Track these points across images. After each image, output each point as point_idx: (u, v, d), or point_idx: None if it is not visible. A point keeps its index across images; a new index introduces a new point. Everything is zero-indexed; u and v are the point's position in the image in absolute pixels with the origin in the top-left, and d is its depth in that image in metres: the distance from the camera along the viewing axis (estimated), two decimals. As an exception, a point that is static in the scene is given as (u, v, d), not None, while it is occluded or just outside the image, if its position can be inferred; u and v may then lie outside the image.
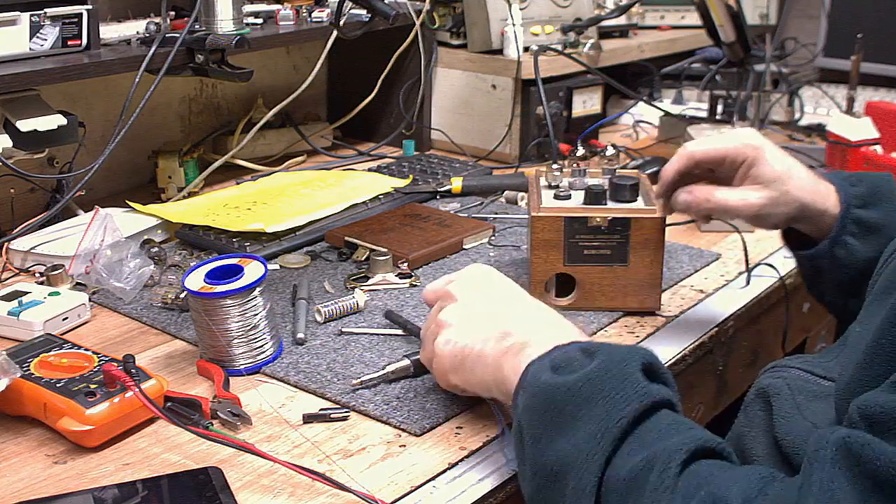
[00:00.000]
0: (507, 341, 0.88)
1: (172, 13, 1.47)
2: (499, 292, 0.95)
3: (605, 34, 2.04)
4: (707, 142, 1.09)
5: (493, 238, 1.42)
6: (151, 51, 1.36)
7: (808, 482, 0.67)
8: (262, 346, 1.04)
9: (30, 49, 1.29)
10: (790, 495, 0.67)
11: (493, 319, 0.90)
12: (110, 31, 1.42)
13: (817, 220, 1.08)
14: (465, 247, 1.38)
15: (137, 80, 1.34)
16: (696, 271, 1.33)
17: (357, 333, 1.12)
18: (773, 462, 0.87)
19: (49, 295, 1.16)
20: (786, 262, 1.38)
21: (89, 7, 1.33)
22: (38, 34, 1.29)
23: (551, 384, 0.79)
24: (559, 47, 1.82)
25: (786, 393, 0.95)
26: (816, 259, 1.10)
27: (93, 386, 0.93)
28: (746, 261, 1.34)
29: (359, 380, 1.00)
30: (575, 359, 0.80)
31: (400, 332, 1.12)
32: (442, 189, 1.59)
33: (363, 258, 1.32)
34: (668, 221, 1.17)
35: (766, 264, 1.36)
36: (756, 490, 0.69)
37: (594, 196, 1.18)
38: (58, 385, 0.93)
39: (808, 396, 0.94)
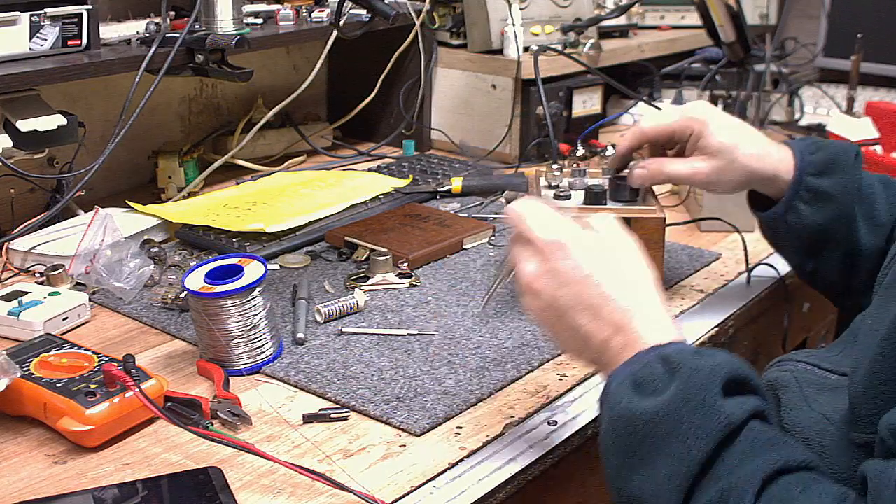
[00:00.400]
0: (588, 354, 0.85)
1: (172, 13, 1.47)
2: (581, 267, 0.84)
3: (605, 34, 2.04)
4: (655, 118, 1.17)
5: (493, 238, 1.42)
6: (151, 51, 1.36)
7: None
8: (262, 346, 1.04)
9: (30, 49, 1.29)
10: None
11: (573, 325, 0.84)
12: (110, 31, 1.42)
13: (770, 184, 1.13)
14: (465, 247, 1.38)
15: (137, 80, 1.34)
16: (696, 271, 1.33)
17: (357, 333, 1.12)
18: None
19: (49, 295, 1.16)
20: (786, 263, 1.38)
21: (89, 7, 1.33)
22: (38, 34, 1.29)
23: (631, 411, 0.77)
24: (559, 47, 1.82)
25: (794, 386, 0.96)
26: (772, 221, 1.15)
27: (93, 386, 0.93)
28: (746, 261, 1.34)
29: (483, 306, 1.06)
30: (656, 376, 0.77)
31: (400, 332, 1.12)
32: (442, 189, 1.59)
33: (363, 258, 1.32)
34: (668, 221, 1.17)
35: (766, 264, 1.36)
36: None
37: (594, 196, 1.18)
38: (58, 385, 0.93)
39: (815, 389, 0.95)
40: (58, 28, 1.30)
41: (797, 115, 2.09)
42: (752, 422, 0.76)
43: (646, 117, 1.17)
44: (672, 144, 1.17)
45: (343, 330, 1.13)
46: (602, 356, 0.83)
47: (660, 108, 1.83)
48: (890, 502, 0.67)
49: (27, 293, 1.16)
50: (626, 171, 1.18)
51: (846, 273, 1.14)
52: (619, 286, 0.84)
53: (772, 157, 1.12)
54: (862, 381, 0.78)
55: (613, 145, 1.66)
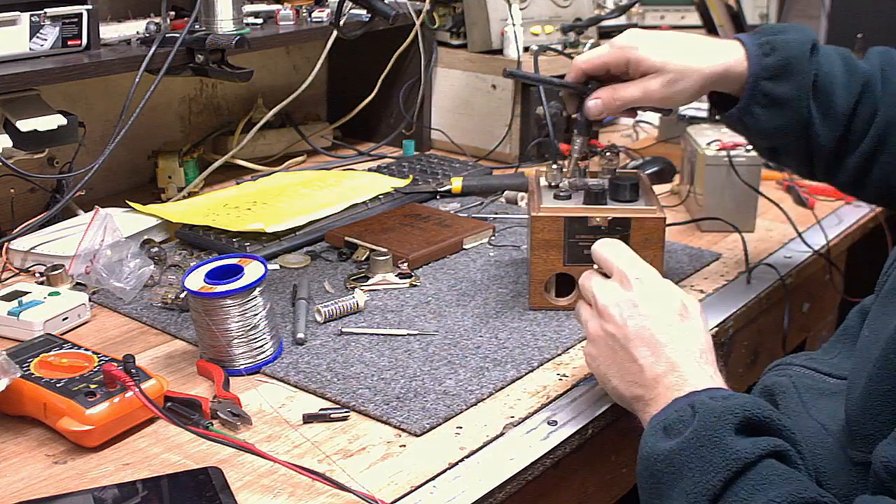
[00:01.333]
0: (635, 388, 0.89)
1: (172, 13, 1.47)
2: (657, 305, 0.90)
3: (605, 34, 2.03)
4: (588, 53, 1.15)
5: (493, 238, 1.42)
6: (151, 51, 1.35)
7: None
8: (262, 346, 1.04)
9: (30, 49, 1.29)
10: None
11: (632, 356, 0.89)
12: (110, 31, 1.42)
13: (725, 81, 1.12)
14: (465, 247, 1.38)
15: (137, 80, 1.34)
16: (696, 271, 1.33)
17: (357, 333, 1.12)
18: None
19: (49, 295, 1.16)
20: (786, 262, 1.39)
21: (89, 7, 1.33)
22: (38, 34, 1.29)
23: (654, 451, 0.82)
24: (559, 47, 1.82)
25: (791, 391, 0.95)
26: (730, 121, 1.16)
27: (93, 386, 0.93)
28: (746, 261, 1.34)
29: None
30: (682, 419, 0.81)
31: (400, 332, 1.12)
32: (442, 189, 1.59)
33: (363, 258, 1.32)
34: (668, 221, 1.17)
35: (766, 264, 1.36)
36: None
37: (594, 196, 1.18)
38: (58, 385, 0.93)
39: (813, 394, 0.94)
40: (58, 28, 1.30)
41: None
42: (767, 460, 0.76)
43: (582, 54, 1.16)
44: (613, 77, 1.15)
45: (343, 330, 1.13)
46: (649, 391, 0.87)
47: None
48: None
49: (27, 293, 1.16)
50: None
51: (807, 163, 1.16)
52: (683, 333, 0.89)
53: (719, 54, 1.11)
54: (859, 400, 0.77)
55: (614, 145, 1.66)
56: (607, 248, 0.96)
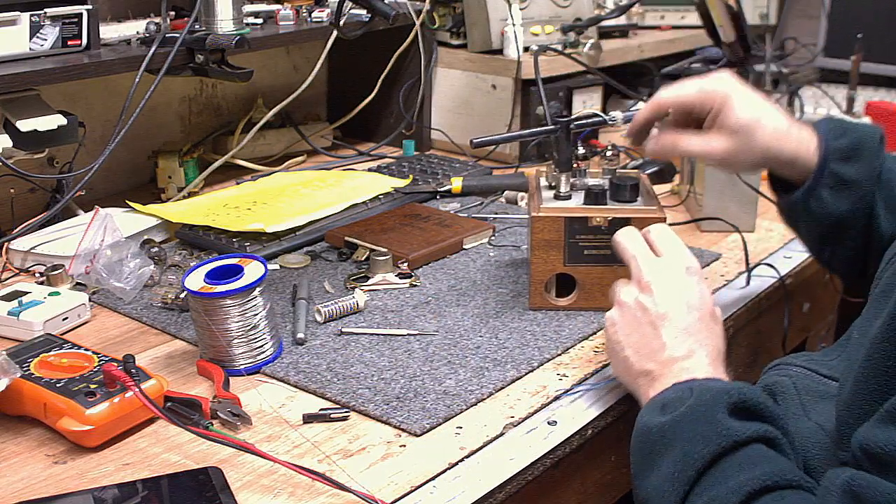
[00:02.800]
0: (647, 364, 0.93)
1: (172, 13, 1.47)
2: (683, 312, 0.95)
3: (605, 34, 2.04)
4: (675, 89, 1.10)
5: (493, 238, 1.42)
6: (151, 51, 1.36)
7: None
8: (262, 346, 1.04)
9: (30, 49, 1.29)
10: None
11: (649, 346, 0.94)
12: (110, 31, 1.42)
13: (789, 167, 1.09)
14: (465, 247, 1.38)
15: (137, 80, 1.34)
16: (696, 271, 1.33)
17: (357, 333, 1.12)
18: None
19: (49, 295, 1.16)
20: (786, 262, 1.39)
21: (89, 7, 1.33)
22: (38, 34, 1.29)
23: (648, 425, 0.85)
24: (559, 47, 1.82)
25: (791, 392, 0.96)
26: (792, 206, 1.11)
27: (93, 386, 0.93)
28: (746, 261, 1.34)
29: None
30: (679, 398, 0.85)
31: (400, 332, 1.12)
32: (442, 189, 1.59)
33: (363, 258, 1.32)
34: (668, 221, 1.16)
35: (766, 264, 1.36)
36: None
37: (594, 196, 1.18)
38: (58, 385, 0.93)
39: (813, 396, 0.95)
40: (58, 28, 1.30)
41: (797, 115, 2.08)
42: (757, 444, 0.79)
43: (668, 88, 1.11)
44: (692, 117, 1.10)
45: (343, 330, 1.13)
46: (659, 369, 0.91)
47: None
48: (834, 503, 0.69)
49: (27, 293, 1.16)
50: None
51: (863, 259, 1.11)
52: (711, 332, 0.94)
53: (791, 138, 1.07)
54: (846, 401, 0.78)
55: (614, 145, 1.66)
56: (663, 232, 1.02)
